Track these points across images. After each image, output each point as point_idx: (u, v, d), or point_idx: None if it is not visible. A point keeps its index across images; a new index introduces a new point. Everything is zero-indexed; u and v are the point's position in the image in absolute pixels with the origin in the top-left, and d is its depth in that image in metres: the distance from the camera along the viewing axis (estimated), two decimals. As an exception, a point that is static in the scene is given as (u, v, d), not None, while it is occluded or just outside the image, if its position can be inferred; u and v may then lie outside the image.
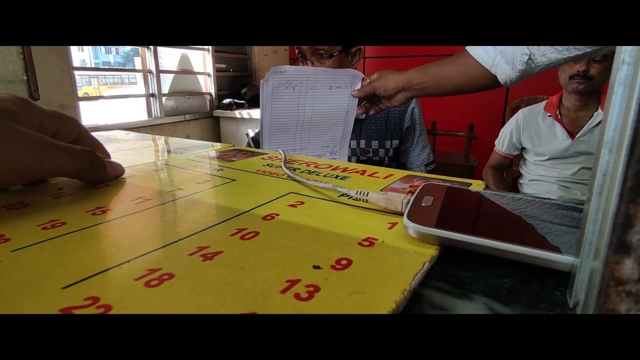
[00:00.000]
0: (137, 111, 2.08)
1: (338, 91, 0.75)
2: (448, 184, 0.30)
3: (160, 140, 0.62)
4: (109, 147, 0.52)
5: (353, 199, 0.30)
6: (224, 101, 2.34)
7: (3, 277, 0.19)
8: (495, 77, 0.65)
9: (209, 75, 2.37)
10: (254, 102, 2.42)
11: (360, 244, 0.23)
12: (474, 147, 2.11)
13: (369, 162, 1.13)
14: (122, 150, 0.52)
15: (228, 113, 2.32)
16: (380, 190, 0.33)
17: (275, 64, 2.91)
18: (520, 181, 1.51)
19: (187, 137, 2.24)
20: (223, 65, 2.46)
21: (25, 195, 0.32)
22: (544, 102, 1.40)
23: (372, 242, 0.23)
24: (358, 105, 0.78)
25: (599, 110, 1.31)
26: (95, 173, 0.33)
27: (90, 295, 0.18)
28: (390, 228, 0.25)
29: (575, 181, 1.34)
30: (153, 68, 2.01)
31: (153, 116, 2.07)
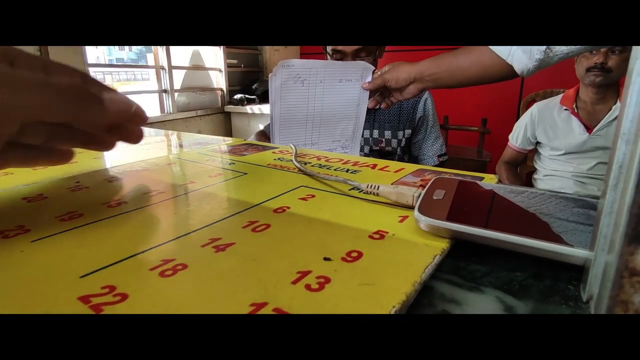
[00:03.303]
0: (149, 107, 2.10)
1: (348, 84, 0.74)
2: (460, 178, 0.30)
3: (173, 135, 0.62)
4: (122, 143, 0.53)
5: (364, 193, 0.30)
6: (235, 97, 2.36)
7: (24, 266, 0.20)
8: (511, 67, 0.63)
9: (220, 71, 2.38)
10: (265, 98, 2.42)
11: (370, 236, 0.23)
12: (487, 142, 2.08)
13: (381, 152, 1.12)
14: (136, 145, 0.53)
15: (239, 108, 2.33)
16: (391, 184, 0.33)
17: (286, 59, 2.91)
18: (535, 176, 1.48)
19: (199, 132, 2.26)
20: (234, 61, 2.47)
21: (45, 188, 0.33)
22: (560, 96, 1.37)
23: (382, 235, 0.23)
24: (369, 98, 0.78)
25: (618, 104, 1.27)
26: (86, 111, 0.24)
27: (107, 284, 0.18)
28: (401, 221, 0.25)
29: (592, 176, 1.31)
30: (165, 64, 2.03)
31: (165, 112, 2.10)
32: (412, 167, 0.39)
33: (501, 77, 0.68)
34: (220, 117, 2.37)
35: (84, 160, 0.42)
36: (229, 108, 2.36)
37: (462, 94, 2.27)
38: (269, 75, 0.71)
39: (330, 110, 0.75)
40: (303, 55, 2.82)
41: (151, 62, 2.12)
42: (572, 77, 1.32)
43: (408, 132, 1.12)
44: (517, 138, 1.48)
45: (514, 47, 0.62)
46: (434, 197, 0.25)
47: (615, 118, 1.22)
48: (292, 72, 0.71)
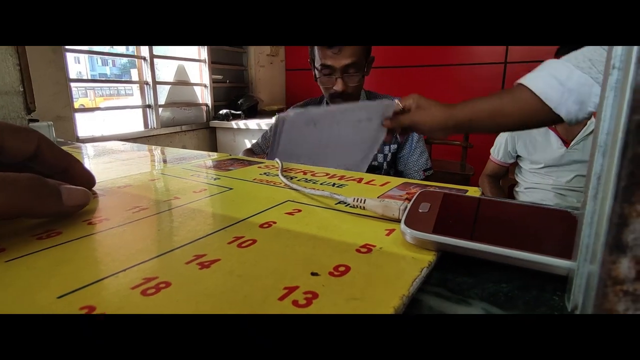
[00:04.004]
0: (133, 122, 2.08)
1: (367, 123, 0.66)
2: (445, 191, 0.30)
3: (157, 150, 0.62)
4: (105, 158, 0.52)
5: (350, 206, 0.30)
6: (221, 112, 2.35)
7: (-3, 287, 0.19)
8: (558, 115, 0.59)
9: (205, 86, 2.38)
10: (250, 113, 2.43)
11: (358, 250, 0.23)
12: (470, 156, 2.13)
13: (368, 167, 1.13)
14: (119, 160, 0.52)
15: (225, 124, 2.32)
16: (377, 198, 0.33)
17: (271, 75, 2.93)
18: (517, 189, 1.51)
19: (184, 147, 2.24)
20: (219, 77, 2.48)
21: (20, 205, 0.31)
22: (538, 111, 1.41)
23: (369, 249, 0.23)
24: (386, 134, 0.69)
25: (592, 119, 1.32)
26: (43, 206, 0.25)
27: (86, 304, 0.17)
28: (387, 235, 0.25)
29: (571, 189, 1.35)
30: (149, 79, 2.02)
31: (149, 127, 2.07)
32: (397, 180, 0.39)
33: (545, 123, 0.65)
34: (205, 132, 2.36)
35: (63, 177, 0.41)
36: (214, 123, 2.35)
37: (444, 109, 2.32)
38: (278, 115, 0.66)
39: (342, 144, 0.68)
40: (288, 72, 2.85)
41: (135, 77, 2.11)
42: None
43: (394, 147, 1.14)
44: (498, 152, 1.52)
45: (565, 96, 0.58)
46: (420, 210, 0.26)
47: (591, 132, 1.26)
48: (306, 116, 0.66)
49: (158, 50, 2.06)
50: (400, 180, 0.39)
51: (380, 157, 1.16)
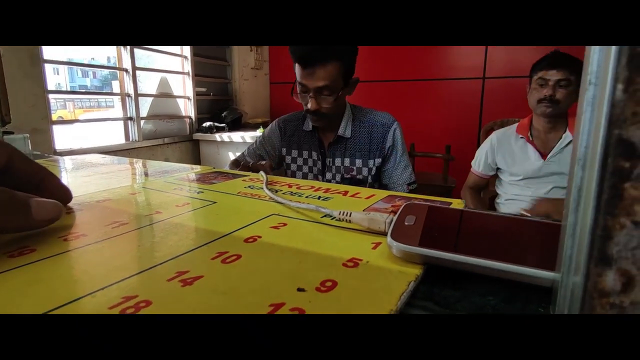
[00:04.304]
0: (114, 135, 2.04)
1: None
2: (429, 203, 0.31)
3: (138, 163, 0.60)
4: (83, 172, 0.50)
5: (336, 220, 0.30)
6: (204, 124, 2.34)
7: (-37, 309, 0.18)
8: None
9: (188, 98, 2.36)
10: (234, 125, 2.42)
11: (344, 264, 0.23)
12: (452, 168, 2.16)
13: (352, 180, 1.13)
14: (98, 174, 0.50)
15: (208, 136, 2.31)
16: (363, 211, 0.33)
17: (256, 88, 2.95)
18: (497, 200, 1.54)
19: (166, 160, 2.21)
20: (203, 89, 2.47)
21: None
22: (516, 125, 1.46)
23: (356, 263, 0.23)
24: None
25: (567, 132, 1.37)
26: (11, 221, 0.24)
27: (59, 326, 0.16)
28: (374, 248, 0.25)
29: (549, 200, 1.38)
30: (131, 91, 1.99)
31: (131, 140, 2.04)
32: (382, 193, 0.40)
33: None
34: (188, 145, 2.33)
35: (39, 191, 0.39)
36: (198, 136, 2.33)
37: (427, 123, 2.37)
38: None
39: None
40: (272, 85, 2.86)
41: (117, 89, 2.07)
42: (525, 106, 1.42)
43: (378, 160, 1.15)
44: (479, 164, 1.55)
45: None
46: (406, 223, 0.26)
47: (567, 145, 1.31)
48: None
49: (140, 62, 2.04)
50: (386, 193, 0.39)
51: (364, 171, 1.17)
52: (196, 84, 2.37)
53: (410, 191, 1.15)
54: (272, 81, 2.87)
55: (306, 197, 0.39)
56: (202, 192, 0.40)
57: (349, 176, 1.15)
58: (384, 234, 0.27)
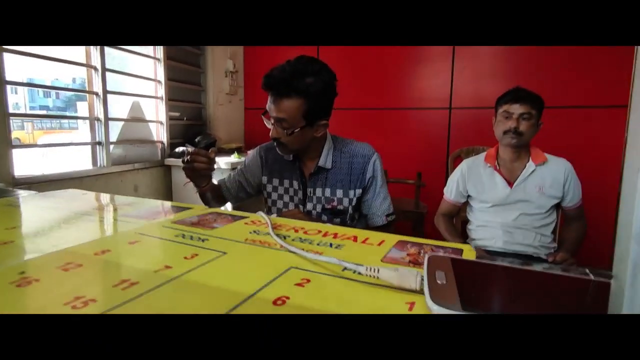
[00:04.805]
0: (78, 159, 1.93)
1: None
2: (449, 255, 0.31)
3: (127, 201, 0.57)
4: (65, 213, 0.47)
5: (362, 274, 0.29)
6: (177, 149, 2.28)
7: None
8: None
9: (161, 123, 2.31)
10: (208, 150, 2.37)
11: (387, 331, 0.22)
12: (423, 194, 2.22)
13: (333, 210, 1.13)
14: (84, 215, 0.47)
15: (180, 161, 2.24)
16: (381, 261, 0.33)
17: (230, 114, 2.92)
18: (469, 227, 1.59)
19: (136, 187, 2.12)
20: (177, 114, 2.42)
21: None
22: (484, 154, 1.53)
23: (399, 329, 0.22)
24: None
25: (530, 161, 1.45)
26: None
27: None
28: (410, 309, 0.25)
29: (517, 226, 1.44)
30: (101, 115, 1.92)
31: (99, 165, 1.94)
32: (392, 238, 0.39)
33: None
34: (159, 170, 2.25)
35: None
36: (170, 161, 2.26)
37: (398, 150, 2.44)
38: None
39: None
40: (247, 110, 2.86)
41: (81, 110, 1.97)
42: (490, 135, 1.49)
43: (359, 191, 1.15)
44: (451, 192, 1.60)
45: None
46: (438, 282, 0.25)
47: (530, 174, 1.38)
48: None
49: (112, 86, 1.98)
50: (395, 238, 0.39)
51: (345, 201, 1.17)
52: (170, 108, 2.32)
53: (389, 222, 1.16)
54: (246, 107, 2.86)
55: (317, 244, 0.38)
56: (207, 239, 0.38)
57: (329, 207, 1.15)
58: (415, 291, 0.26)
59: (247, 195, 1.25)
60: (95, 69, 1.88)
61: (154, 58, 2.24)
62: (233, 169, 2.09)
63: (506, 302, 0.23)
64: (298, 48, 2.49)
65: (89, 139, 1.89)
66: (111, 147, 1.97)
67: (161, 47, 2.22)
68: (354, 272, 0.30)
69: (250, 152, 1.34)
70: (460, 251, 0.35)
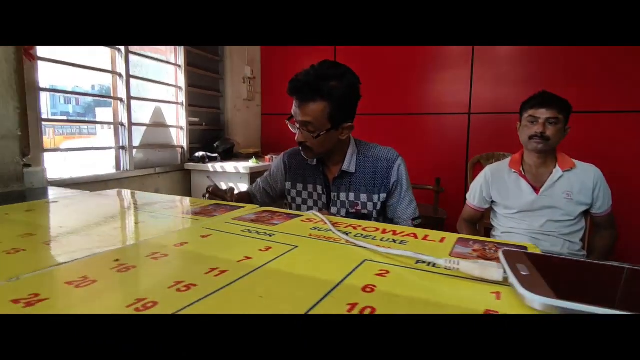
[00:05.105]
0: (98, 162, 1.98)
1: None
2: (521, 250, 0.32)
3: (174, 199, 0.59)
4: (130, 210, 0.48)
5: (441, 268, 0.30)
6: (197, 154, 2.31)
7: None
8: None
9: (181, 128, 2.35)
10: (226, 156, 2.40)
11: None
12: (442, 200, 2.22)
13: (357, 214, 1.14)
14: (146, 213, 0.49)
15: (200, 166, 2.28)
16: (450, 255, 0.34)
17: (248, 119, 2.96)
18: (493, 233, 1.58)
19: (157, 190, 2.15)
20: (196, 119, 2.46)
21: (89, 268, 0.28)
22: (508, 159, 1.52)
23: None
24: None
25: (557, 167, 1.43)
26: None
27: None
28: (498, 298, 0.26)
29: (544, 233, 1.43)
30: (125, 121, 1.96)
31: (122, 169, 1.98)
32: (452, 236, 0.40)
33: None
34: (179, 174, 2.28)
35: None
36: (189, 165, 2.29)
37: (416, 156, 2.44)
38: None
39: None
40: (264, 116, 2.90)
41: (100, 116, 2.02)
42: (510, 141, 1.48)
43: (383, 195, 1.15)
44: (474, 197, 1.59)
45: None
46: (523, 273, 0.26)
47: (558, 180, 1.37)
48: None
49: (135, 91, 2.03)
50: (455, 236, 0.40)
51: (369, 206, 1.18)
52: (190, 114, 2.36)
53: (415, 226, 1.16)
54: (263, 112, 2.90)
55: (380, 240, 0.39)
56: (274, 234, 0.40)
57: (353, 211, 1.16)
58: (497, 283, 0.27)
59: (272, 200, 1.27)
60: (120, 75, 1.93)
61: (175, 65, 2.29)
62: (252, 173, 2.12)
63: (598, 295, 0.24)
64: (315, 53, 2.51)
65: (106, 144, 1.94)
66: (134, 151, 2.01)
67: (182, 54, 2.27)
68: (429, 264, 0.31)
69: (276, 160, 1.36)
70: (525, 248, 0.36)
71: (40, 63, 1.51)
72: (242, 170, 2.20)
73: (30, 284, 0.26)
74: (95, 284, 0.26)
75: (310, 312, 0.23)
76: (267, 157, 2.43)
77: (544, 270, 0.27)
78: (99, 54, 1.92)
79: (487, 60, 2.31)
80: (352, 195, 1.19)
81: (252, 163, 2.26)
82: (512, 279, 0.26)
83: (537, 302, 0.23)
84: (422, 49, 2.41)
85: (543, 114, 1.38)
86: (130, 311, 0.23)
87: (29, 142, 0.67)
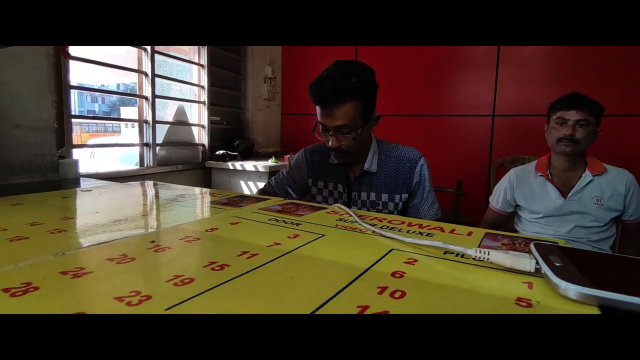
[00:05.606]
0: (119, 158, 2.04)
1: None
2: (551, 243, 0.31)
3: (200, 190, 0.61)
4: (163, 200, 0.50)
5: (470, 258, 0.30)
6: (218, 152, 2.35)
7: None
8: None
9: (203, 127, 2.39)
10: (246, 155, 2.44)
11: (517, 303, 0.23)
12: (463, 204, 2.18)
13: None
14: (176, 202, 0.50)
15: (220, 164, 2.32)
16: (478, 248, 0.33)
17: (268, 119, 2.99)
18: (516, 238, 1.54)
19: (179, 187, 2.19)
20: (217, 118, 2.50)
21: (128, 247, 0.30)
22: (535, 162, 1.48)
23: (528, 303, 0.23)
24: None
25: (587, 171, 1.39)
26: None
27: None
28: (530, 287, 0.25)
29: (571, 239, 1.39)
30: (149, 118, 2.01)
31: (145, 165, 2.04)
32: (480, 230, 0.40)
33: None
34: (200, 172, 2.33)
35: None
36: (210, 163, 2.34)
37: (438, 158, 2.41)
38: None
39: None
40: (284, 116, 2.92)
41: (125, 115, 2.08)
42: (535, 144, 1.45)
43: (405, 196, 1.14)
44: (497, 201, 1.56)
45: None
46: (556, 264, 0.26)
47: (587, 184, 1.33)
48: None
49: (159, 90, 2.08)
50: (483, 231, 0.40)
51: (391, 206, 1.17)
52: (211, 112, 2.41)
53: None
54: (283, 112, 2.93)
55: (407, 232, 0.39)
56: (301, 224, 0.41)
57: (374, 210, 1.15)
58: (528, 273, 0.27)
59: (291, 198, 1.28)
60: (146, 74, 1.98)
61: (199, 64, 2.34)
62: (270, 172, 2.14)
63: (636, 287, 0.24)
64: (336, 53, 2.52)
65: (131, 141, 1.99)
66: (157, 148, 2.06)
67: (205, 54, 2.32)
68: (457, 255, 0.31)
69: (296, 155, 1.36)
70: (556, 244, 0.35)
71: (70, 62, 1.57)
72: (261, 169, 2.22)
73: (75, 259, 0.27)
74: (135, 261, 0.27)
75: (341, 294, 0.24)
76: (287, 156, 2.45)
77: (578, 262, 0.27)
78: (123, 55, 1.98)
79: (514, 60, 2.26)
80: (373, 195, 1.19)
81: (271, 162, 2.28)
82: (545, 269, 0.25)
83: (572, 291, 0.23)
84: (445, 49, 2.38)
85: (573, 115, 1.33)
86: (170, 285, 0.24)
87: (63, 135, 0.70)
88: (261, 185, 2.15)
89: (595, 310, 0.22)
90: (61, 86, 0.69)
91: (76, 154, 1.76)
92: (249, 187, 2.28)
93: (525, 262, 0.27)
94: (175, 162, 2.21)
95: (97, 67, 1.73)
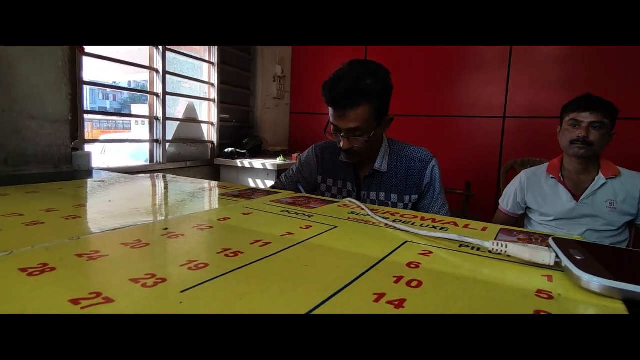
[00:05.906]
0: (129, 154, 2.06)
1: None
2: (571, 238, 0.31)
3: (210, 183, 0.61)
4: (174, 190, 0.50)
5: (486, 251, 0.30)
6: (227, 149, 2.36)
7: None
8: None
9: (212, 124, 2.41)
10: (254, 152, 2.44)
11: (537, 295, 0.23)
12: (472, 206, 2.16)
13: None
14: (186, 193, 0.50)
15: (229, 162, 2.33)
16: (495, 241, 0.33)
17: (277, 117, 3.00)
18: (526, 240, 1.52)
19: (187, 183, 2.20)
20: (227, 116, 2.52)
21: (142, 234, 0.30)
22: (546, 164, 1.46)
23: (550, 296, 0.23)
24: None
25: (600, 174, 1.36)
26: None
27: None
28: (549, 280, 0.25)
29: (582, 242, 1.36)
30: (160, 115, 2.03)
31: (155, 161, 2.05)
32: (494, 226, 0.40)
33: None
34: (208, 169, 2.34)
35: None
36: (219, 161, 2.35)
37: (447, 159, 2.40)
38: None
39: None
40: (293, 115, 2.92)
41: (136, 112, 2.10)
42: (547, 146, 1.43)
43: (415, 197, 1.13)
44: (507, 202, 1.54)
45: None
46: (577, 257, 0.25)
47: (600, 187, 1.31)
48: None
49: (170, 87, 2.09)
50: (497, 226, 0.39)
51: (400, 206, 1.16)
52: (220, 110, 2.42)
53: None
54: (292, 111, 2.93)
55: (420, 225, 0.39)
56: (313, 215, 0.40)
57: (383, 211, 1.14)
58: (547, 267, 0.26)
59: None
60: (157, 71, 2.00)
61: (209, 62, 2.35)
62: (279, 170, 2.14)
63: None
64: (345, 53, 2.51)
65: (142, 138, 2.02)
66: (167, 145, 2.08)
67: (216, 52, 2.33)
68: (472, 248, 0.31)
69: (306, 152, 1.36)
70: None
71: (83, 58, 1.58)
72: (269, 167, 2.22)
73: (90, 243, 0.27)
74: (149, 246, 0.27)
75: (357, 282, 0.23)
76: (295, 155, 2.45)
77: (599, 256, 0.26)
78: (135, 52, 2.00)
79: (526, 61, 2.23)
80: (382, 195, 1.18)
81: (279, 160, 2.29)
82: (566, 262, 0.25)
83: (594, 284, 0.22)
84: (456, 49, 2.36)
85: (586, 117, 1.30)
86: (184, 269, 0.23)
87: (77, 127, 0.71)
88: (269, 183, 2.16)
89: (618, 304, 0.22)
90: (75, 79, 0.69)
91: (88, 149, 1.78)
92: (257, 185, 2.29)
93: (545, 255, 0.27)
94: (185, 158, 2.23)
95: (109, 65, 1.74)
